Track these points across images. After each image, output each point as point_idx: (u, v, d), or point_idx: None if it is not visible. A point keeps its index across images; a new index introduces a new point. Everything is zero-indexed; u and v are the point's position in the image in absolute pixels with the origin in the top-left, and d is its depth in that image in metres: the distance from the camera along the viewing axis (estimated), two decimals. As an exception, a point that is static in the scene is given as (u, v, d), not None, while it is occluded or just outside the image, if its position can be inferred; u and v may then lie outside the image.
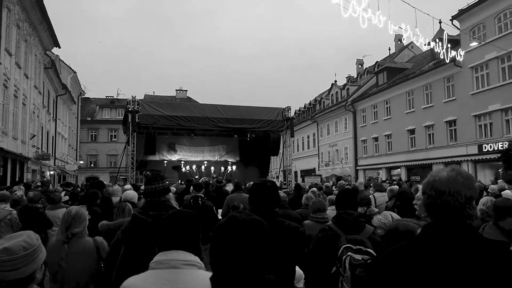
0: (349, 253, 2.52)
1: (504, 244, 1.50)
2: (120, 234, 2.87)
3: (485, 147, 20.13)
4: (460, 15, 21.83)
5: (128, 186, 7.37)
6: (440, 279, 1.38)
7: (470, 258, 1.38)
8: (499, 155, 17.65)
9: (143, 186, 4.63)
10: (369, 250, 2.55)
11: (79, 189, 10.28)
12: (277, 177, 23.08)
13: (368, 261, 2.48)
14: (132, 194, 4.87)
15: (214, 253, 1.44)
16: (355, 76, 41.44)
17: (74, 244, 3.08)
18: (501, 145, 18.36)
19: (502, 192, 7.80)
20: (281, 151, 20.11)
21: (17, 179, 16.29)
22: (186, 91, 51.91)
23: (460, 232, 1.44)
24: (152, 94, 50.57)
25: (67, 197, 6.03)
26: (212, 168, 20.09)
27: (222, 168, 20.28)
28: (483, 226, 3.60)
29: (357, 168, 33.10)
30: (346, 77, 42.90)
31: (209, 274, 1.52)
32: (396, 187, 8.65)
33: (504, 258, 1.41)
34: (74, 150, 39.13)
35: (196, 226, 1.76)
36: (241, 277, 1.39)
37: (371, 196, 7.70)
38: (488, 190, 9.17)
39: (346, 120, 34.94)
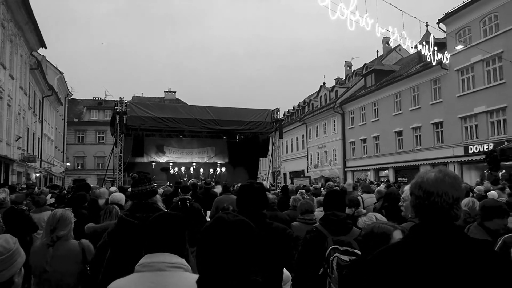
0: (336, 254, 2.53)
1: (489, 243, 1.53)
2: (106, 237, 2.84)
3: (471, 148, 20.43)
4: (446, 18, 22.16)
5: (114, 188, 7.29)
6: (428, 280, 1.38)
7: (458, 258, 1.39)
8: (484, 156, 17.92)
9: (130, 188, 4.60)
10: (355, 251, 2.56)
11: (66, 192, 10.14)
12: (266, 179, 23.11)
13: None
14: (119, 196, 4.83)
15: (201, 254, 1.43)
16: (344, 78, 41.73)
17: (59, 247, 3.03)
18: (487, 147, 18.64)
19: (488, 193, 7.93)
20: (270, 152, 20.15)
21: (1, 182, 16.01)
22: (174, 92, 51.68)
23: (447, 232, 1.45)
24: (140, 95, 50.26)
25: (53, 200, 5.94)
26: (201, 170, 20.03)
27: (211, 170, 20.25)
28: (468, 227, 3.63)
29: (346, 169, 33.31)
30: (335, 79, 43.14)
31: (196, 276, 1.51)
32: (383, 188, 8.73)
33: (490, 257, 1.43)
34: (61, 152, 38.64)
35: (182, 228, 1.75)
36: (227, 279, 1.38)
37: (359, 197, 7.76)
38: (475, 191, 9.29)
39: (334, 122, 35.15)
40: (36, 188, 12.85)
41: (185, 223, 1.77)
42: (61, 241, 3.04)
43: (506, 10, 18.63)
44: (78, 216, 3.53)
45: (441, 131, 23.25)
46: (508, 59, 18.15)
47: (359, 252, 2.57)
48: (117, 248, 2.61)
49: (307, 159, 39.69)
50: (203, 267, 1.41)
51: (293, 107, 46.56)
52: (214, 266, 1.36)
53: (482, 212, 3.51)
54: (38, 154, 27.09)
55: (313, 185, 12.45)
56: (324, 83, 40.23)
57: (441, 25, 22.09)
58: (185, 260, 1.72)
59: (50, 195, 6.93)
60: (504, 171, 17.05)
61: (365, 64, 35.31)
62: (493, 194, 7.50)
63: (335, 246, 2.59)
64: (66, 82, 37.75)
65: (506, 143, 11.44)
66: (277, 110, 18.12)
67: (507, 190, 8.54)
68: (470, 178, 19.87)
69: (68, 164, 40.58)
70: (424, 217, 1.52)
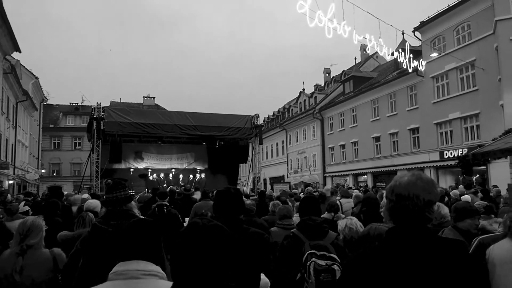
0: (313, 259, 2.53)
1: (461, 244, 1.56)
2: (79, 245, 2.76)
3: (446, 153, 20.93)
4: (421, 27, 22.74)
5: (86, 195, 7.12)
6: (401, 283, 1.39)
7: (430, 259, 1.41)
8: (457, 161, 18.40)
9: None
10: (332, 255, 2.57)
11: (40, 199, 9.86)
12: (246, 185, 23.06)
13: (332, 266, 2.49)
14: (94, 203, 4.72)
15: (175, 260, 1.41)
16: (323, 85, 42.24)
17: (30, 256, 2.94)
18: (461, 152, 19.13)
19: (462, 197, 8.14)
20: (250, 158, 20.13)
21: (-28, 190, 15.46)
22: (153, 98, 51.19)
23: (419, 235, 1.47)
24: (119, 101, 49.54)
25: (27, 207, 5.76)
26: (181, 176, 19.84)
27: (191, 176, 20.08)
28: (443, 230, 3.71)
29: (325, 175, 33.59)
30: (314, 86, 43.63)
31: (170, 284, 1.48)
32: (360, 193, 8.84)
33: (462, 256, 1.46)
34: (36, 159, 37.65)
35: (156, 234, 1.71)
36: (202, 285, 1.36)
37: (338, 202, 7.83)
38: (450, 195, 9.50)
39: (314, 127, 35.45)
40: (9, 195, 12.47)
41: (159, 229, 1.74)
42: (31, 250, 2.95)
43: (478, 20, 19.26)
44: (50, 224, 3.42)
45: (418, 137, 23.74)
46: (481, 67, 18.74)
47: (336, 257, 2.58)
48: (90, 256, 2.54)
49: (287, 165, 39.86)
50: (178, 273, 1.38)
51: (273, 113, 46.78)
52: (188, 272, 1.33)
53: (454, 214, 3.60)
54: (12, 161, 26.33)
55: (293, 191, 12.51)
56: (303, 89, 40.61)
57: (417, 33, 22.66)
58: (160, 267, 1.68)
59: (23, 202, 6.71)
60: (477, 175, 17.52)
61: (343, 71, 35.84)
62: (466, 198, 7.69)
63: (312, 251, 2.59)
64: (42, 87, 36.92)
65: (478, 148, 11.77)
66: (257, 116, 18.15)
67: (480, 194, 8.78)
68: (446, 182, 20.34)
69: (43, 171, 39.58)
70: (397, 221, 1.53)
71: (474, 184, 11.51)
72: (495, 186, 12.09)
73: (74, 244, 2.93)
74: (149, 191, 14.09)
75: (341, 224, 3.57)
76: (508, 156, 12.99)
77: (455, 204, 3.77)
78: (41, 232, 3.04)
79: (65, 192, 8.23)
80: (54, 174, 43.74)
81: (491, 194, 9.73)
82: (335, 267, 2.51)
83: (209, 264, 1.34)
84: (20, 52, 22.74)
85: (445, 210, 4.07)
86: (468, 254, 1.55)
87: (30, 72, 33.25)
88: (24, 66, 31.60)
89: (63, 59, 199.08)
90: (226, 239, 1.41)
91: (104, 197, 3.21)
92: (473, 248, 2.99)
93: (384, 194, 1.73)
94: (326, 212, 5.98)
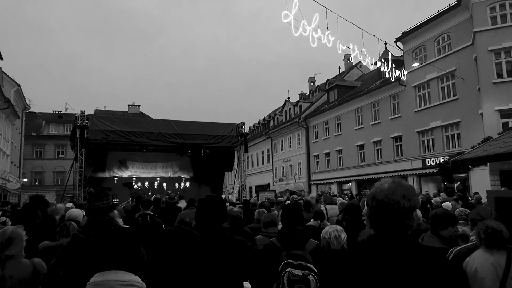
0: (289, 269, 2.51)
1: (442, 250, 1.58)
2: (59, 255, 2.73)
3: (428, 161, 21.27)
4: (403, 37, 23.22)
5: (70, 204, 7.02)
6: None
7: (409, 266, 1.41)
8: (438, 168, 18.73)
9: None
10: (309, 265, 2.56)
11: (19, 209, 9.65)
12: (232, 193, 22.99)
13: (308, 277, 2.49)
14: (76, 212, 4.66)
15: (153, 268, 1.42)
16: (308, 93, 42.58)
17: (10, 266, 2.88)
18: (442, 159, 19.47)
19: (443, 204, 8.28)
20: (235, 166, 20.09)
21: (-50, 199, 15.06)
22: (139, 106, 50.82)
23: (399, 242, 1.47)
24: (103, 109, 49.02)
25: (4, 218, 5.64)
26: (165, 184, 19.68)
27: (176, 185, 19.93)
28: (422, 236, 3.77)
29: (310, 183, 33.74)
30: (299, 94, 43.97)
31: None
32: (345, 201, 8.92)
33: (443, 265, 1.45)
34: (17, 167, 36.86)
35: (134, 244, 1.71)
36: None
37: (323, 207, 7.88)
38: (432, 202, 9.64)
39: (299, 136, 35.65)
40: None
41: (137, 238, 1.73)
42: (11, 261, 2.89)
43: (457, 31, 19.77)
44: (30, 234, 3.36)
45: (400, 145, 24.09)
46: (461, 77, 19.20)
47: (312, 267, 2.58)
48: (70, 267, 2.52)
49: (273, 173, 39.92)
50: (156, 282, 1.40)
51: (259, 121, 46.91)
52: (165, 280, 1.35)
53: (433, 221, 3.66)
54: (-8, 170, 25.73)
55: (278, 199, 12.52)
56: (288, 98, 40.88)
57: (399, 43, 23.10)
58: (139, 277, 1.68)
59: (0, 213, 6.58)
60: (459, 182, 17.84)
61: (328, 79, 36.26)
62: (447, 205, 7.84)
63: (288, 260, 2.58)
64: (24, 95, 36.30)
65: (458, 156, 12.02)
66: (242, 124, 18.17)
67: (460, 201, 8.94)
68: (428, 189, 20.58)
69: (25, 180, 38.73)
70: (377, 228, 1.53)
71: (456, 191, 11.72)
72: (476, 193, 12.34)
73: (54, 254, 2.90)
74: (134, 200, 13.95)
75: (326, 233, 3.54)
76: (488, 164, 13.30)
77: (433, 212, 3.84)
78: (21, 242, 2.98)
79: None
80: (37, 183, 42.85)
81: (472, 201, 9.93)
82: (310, 277, 2.50)
83: (184, 271, 1.36)
84: (1, 59, 22.40)
85: (418, 213, 4.13)
86: (448, 262, 1.55)
87: (12, 79, 32.68)
88: (5, 73, 31.06)
89: (46, 67, 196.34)
90: (198, 245, 1.43)
91: (86, 206, 3.18)
92: (450, 259, 3.04)
93: (365, 201, 1.73)
94: (312, 220, 6.01)
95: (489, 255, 2.74)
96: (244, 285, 2.60)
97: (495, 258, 2.71)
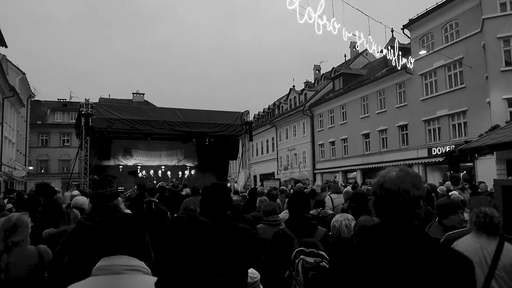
0: (302, 257, 2.52)
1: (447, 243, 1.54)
2: (64, 242, 2.73)
3: (434, 150, 21.15)
4: (410, 24, 22.91)
5: (76, 192, 7.06)
6: (388, 279, 1.38)
7: (418, 257, 1.38)
8: (445, 157, 18.62)
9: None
10: (321, 252, 2.56)
11: (26, 196, 9.73)
12: (237, 181, 23.04)
13: (320, 264, 2.49)
14: (82, 200, 4.66)
15: (160, 255, 1.40)
16: (313, 82, 42.29)
17: (15, 253, 2.90)
18: (449, 148, 19.34)
19: (450, 193, 8.23)
20: (240, 155, 20.09)
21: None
22: (143, 94, 50.77)
23: (408, 231, 1.44)
24: (108, 97, 49.06)
25: (10, 205, 5.68)
26: (169, 173, 19.75)
27: (180, 173, 20.00)
28: (429, 225, 3.75)
29: (315, 171, 33.73)
30: (304, 82, 43.69)
31: (154, 279, 1.48)
32: (350, 189, 8.89)
33: (446, 256, 1.42)
34: (23, 155, 37.12)
35: (139, 229, 1.70)
36: (186, 279, 1.35)
37: (328, 197, 7.87)
38: (438, 191, 9.60)
39: (304, 124, 35.54)
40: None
41: (142, 224, 1.72)
42: (17, 247, 2.91)
43: (465, 18, 19.44)
44: (33, 221, 3.37)
45: (406, 134, 23.95)
46: (468, 65, 18.95)
47: (324, 254, 2.58)
48: (75, 253, 2.52)
49: (277, 162, 39.92)
50: (161, 267, 1.38)
51: (263, 110, 46.76)
52: (172, 266, 1.33)
53: (437, 211, 3.63)
54: (-2, 158, 25.93)
55: (281, 187, 12.52)
56: (293, 86, 40.66)
57: (406, 31, 22.79)
58: (146, 263, 1.67)
59: (6, 200, 6.63)
60: (464, 171, 17.76)
61: (333, 68, 35.93)
62: (454, 194, 7.79)
63: (301, 248, 2.59)
64: (29, 83, 36.36)
65: (465, 144, 11.92)
66: (247, 112, 18.10)
67: (468, 190, 8.88)
68: (434, 179, 20.57)
69: (30, 168, 39.04)
70: (385, 217, 1.49)
71: (461, 180, 11.67)
72: (482, 182, 12.26)
73: (59, 241, 2.90)
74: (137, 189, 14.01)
75: (336, 221, 3.51)
76: (495, 152, 13.19)
77: (437, 201, 3.82)
78: (26, 228, 3.00)
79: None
80: (42, 171, 43.21)
81: (479, 190, 9.88)
82: (324, 264, 2.51)
83: (193, 258, 1.34)
84: (6, 47, 22.40)
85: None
86: (454, 255, 1.51)
87: (16, 67, 32.72)
88: (10, 61, 31.09)
89: (51, 55, 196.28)
90: (211, 234, 1.41)
91: (90, 193, 3.18)
92: (442, 241, 3.00)
93: (371, 190, 1.69)
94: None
95: (479, 239, 2.68)
96: (250, 273, 2.60)
97: (485, 243, 2.64)
